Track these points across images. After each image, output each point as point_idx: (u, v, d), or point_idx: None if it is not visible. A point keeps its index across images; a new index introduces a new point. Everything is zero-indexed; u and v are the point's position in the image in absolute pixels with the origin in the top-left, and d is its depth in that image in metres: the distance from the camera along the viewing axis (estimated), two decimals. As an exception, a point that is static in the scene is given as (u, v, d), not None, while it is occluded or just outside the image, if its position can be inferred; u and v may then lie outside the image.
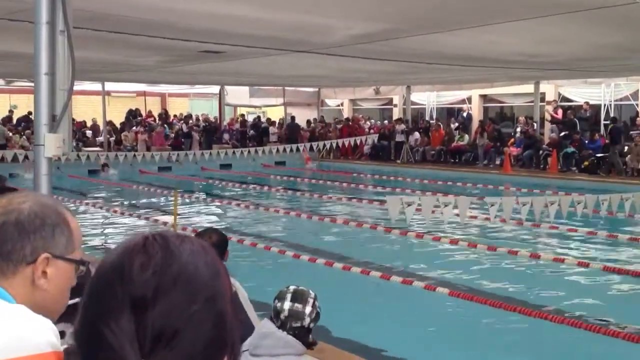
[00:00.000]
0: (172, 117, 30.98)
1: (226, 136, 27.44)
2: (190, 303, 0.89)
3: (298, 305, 3.23)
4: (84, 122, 28.85)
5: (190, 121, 29.01)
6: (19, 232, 1.40)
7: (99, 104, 26.62)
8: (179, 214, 12.24)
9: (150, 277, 0.88)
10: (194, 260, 0.92)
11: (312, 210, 14.20)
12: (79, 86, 21.38)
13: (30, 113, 24.37)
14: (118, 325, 0.86)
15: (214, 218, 13.99)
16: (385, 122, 28.57)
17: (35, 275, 1.42)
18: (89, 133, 28.05)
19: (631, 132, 21.12)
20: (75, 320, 0.95)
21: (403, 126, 24.95)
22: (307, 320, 3.23)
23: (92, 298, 0.92)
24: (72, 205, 14.25)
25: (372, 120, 28.59)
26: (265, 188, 18.19)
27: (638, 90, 23.52)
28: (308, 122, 28.99)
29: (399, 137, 24.67)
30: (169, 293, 0.88)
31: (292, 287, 3.33)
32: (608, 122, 23.79)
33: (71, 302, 1.54)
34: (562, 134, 21.39)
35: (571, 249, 10.51)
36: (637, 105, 23.49)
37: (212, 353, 0.91)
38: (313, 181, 19.58)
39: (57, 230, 1.45)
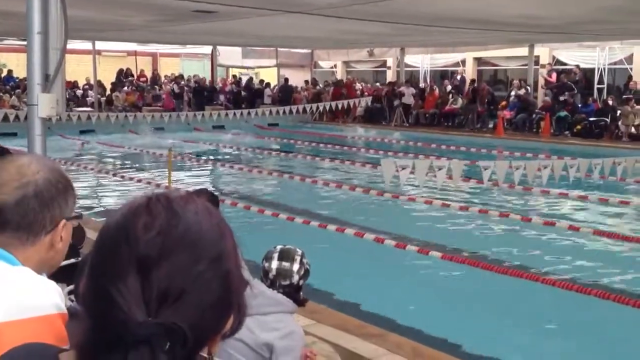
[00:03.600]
0: (163, 78, 30.69)
1: (222, 97, 27.25)
2: (195, 263, 0.89)
3: (285, 264, 3.26)
4: (75, 81, 28.54)
5: (182, 82, 28.75)
6: (40, 204, 1.42)
7: (89, 63, 26.32)
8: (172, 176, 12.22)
9: (155, 237, 0.88)
10: (199, 221, 0.92)
11: (305, 172, 14.20)
12: (68, 45, 21.08)
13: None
14: (126, 286, 0.86)
15: (207, 180, 14.00)
16: (377, 84, 28.38)
17: (55, 241, 1.45)
18: (79, 93, 27.79)
19: (624, 96, 21.11)
20: (80, 281, 0.96)
21: (412, 89, 24.67)
22: (296, 277, 3.27)
23: (99, 260, 0.92)
24: (64, 165, 14.19)
25: (363, 84, 28.35)
26: (258, 150, 18.15)
27: (632, 54, 23.45)
28: (295, 88, 28.67)
29: (407, 100, 24.36)
30: (173, 253, 0.88)
31: (279, 247, 3.36)
32: (602, 85, 23.80)
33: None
34: (562, 98, 21.14)
35: (563, 212, 10.59)
36: (630, 69, 23.44)
37: (218, 313, 0.92)
38: (306, 143, 19.54)
39: (68, 194, 1.49)
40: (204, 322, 0.89)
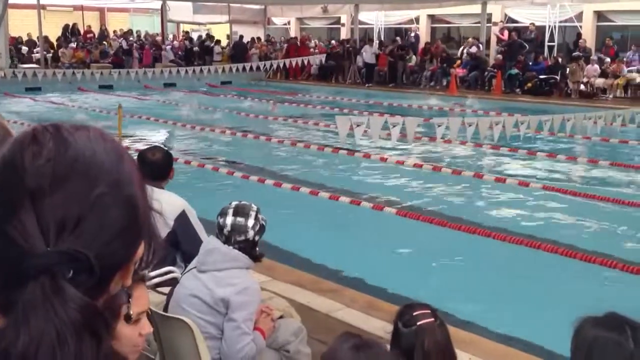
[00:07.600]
0: (111, 33, 29.79)
1: (171, 54, 26.61)
2: (91, 188, 0.86)
3: (240, 219, 3.24)
4: (20, 37, 27.50)
5: (131, 38, 27.95)
6: None
7: (34, 18, 25.34)
8: (123, 135, 12.00)
9: (44, 165, 0.85)
10: (91, 146, 0.89)
11: (260, 131, 14.09)
12: (11, -1, 20.22)
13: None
14: (20, 221, 0.82)
15: (159, 138, 13.76)
16: (333, 42, 28.11)
17: None
18: (24, 49, 26.81)
19: (573, 54, 21.44)
20: None
21: (376, 49, 24.37)
22: (251, 233, 3.25)
23: None
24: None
25: (316, 41, 28.01)
26: (210, 108, 17.88)
27: (582, 12, 23.75)
28: (253, 39, 28.18)
29: (369, 59, 24.06)
30: (66, 180, 0.85)
31: (234, 203, 3.34)
32: (553, 43, 24.10)
33: None
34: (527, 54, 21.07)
35: (513, 168, 10.78)
36: (580, 27, 23.77)
37: (124, 239, 0.88)
38: (263, 101, 19.34)
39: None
40: (110, 249, 0.86)
